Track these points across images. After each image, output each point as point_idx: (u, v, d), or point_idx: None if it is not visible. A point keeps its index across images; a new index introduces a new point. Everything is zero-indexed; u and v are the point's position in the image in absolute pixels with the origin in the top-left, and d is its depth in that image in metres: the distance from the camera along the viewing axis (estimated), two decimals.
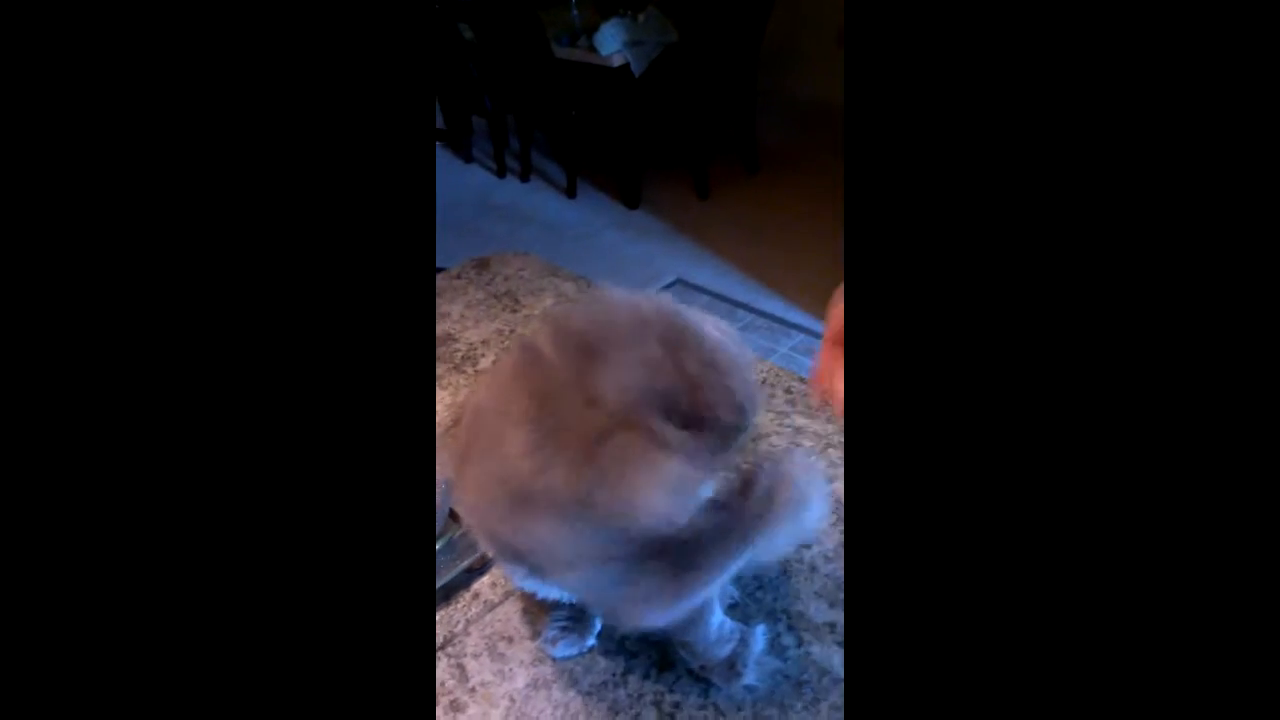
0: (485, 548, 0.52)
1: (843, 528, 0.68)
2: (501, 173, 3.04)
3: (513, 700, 0.58)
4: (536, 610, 0.64)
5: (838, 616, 0.60)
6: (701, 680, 0.57)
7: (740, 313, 2.40)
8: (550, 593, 0.58)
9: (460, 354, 0.96)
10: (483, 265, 1.17)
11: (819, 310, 2.40)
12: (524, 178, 2.99)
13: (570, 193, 2.87)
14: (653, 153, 2.85)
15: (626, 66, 2.51)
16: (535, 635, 0.62)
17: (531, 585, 0.58)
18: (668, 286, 2.32)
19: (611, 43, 2.46)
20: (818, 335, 2.33)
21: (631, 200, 2.81)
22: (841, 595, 0.62)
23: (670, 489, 0.43)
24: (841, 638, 0.59)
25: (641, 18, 2.55)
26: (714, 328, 0.49)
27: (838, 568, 0.64)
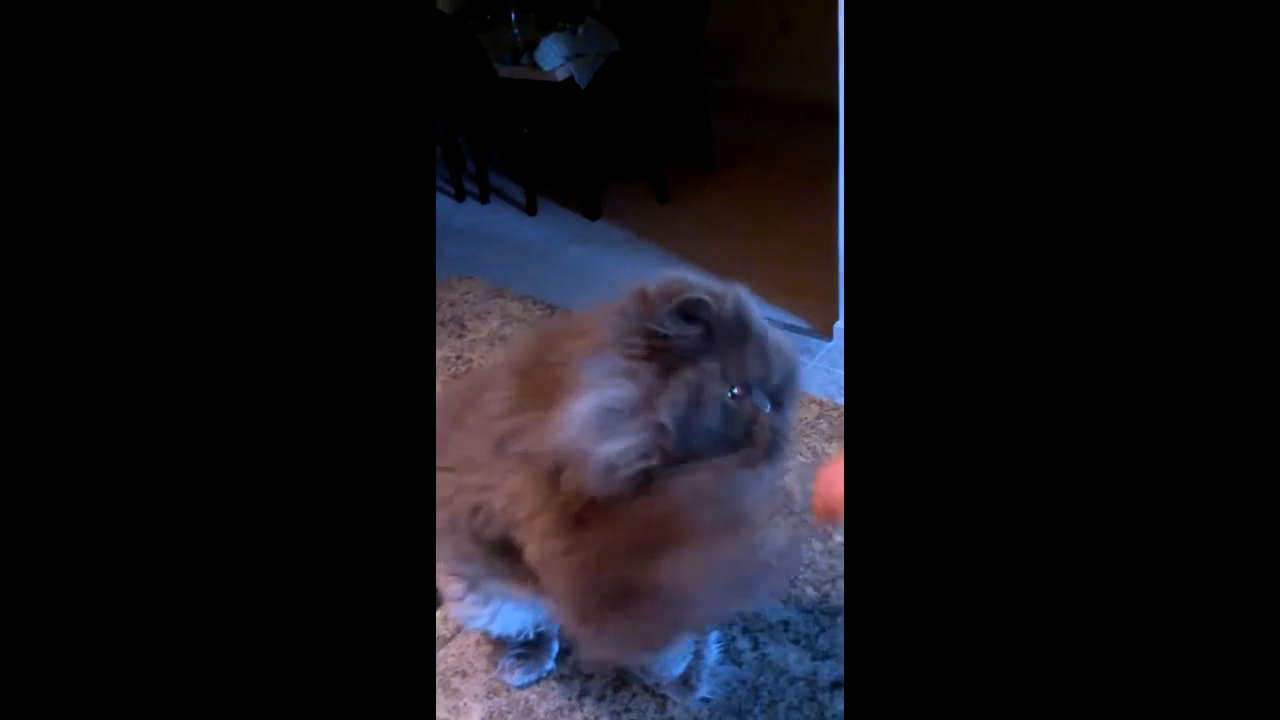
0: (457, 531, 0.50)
1: (793, 521, 0.67)
2: (460, 196, 3.03)
3: None
4: (490, 642, 0.62)
5: (790, 614, 0.59)
6: (658, 695, 0.56)
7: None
8: (504, 627, 0.57)
9: None
10: None
11: (788, 303, 2.40)
12: (483, 199, 2.97)
13: (530, 210, 2.86)
14: (609, 162, 2.84)
15: (571, 79, 2.50)
16: (490, 668, 0.60)
17: (483, 621, 0.57)
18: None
19: (553, 58, 2.46)
20: (789, 327, 2.33)
21: (592, 212, 2.80)
22: (794, 592, 0.61)
23: (592, 410, 0.40)
24: (795, 635, 0.58)
25: (581, 30, 2.55)
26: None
27: (787, 564, 0.63)
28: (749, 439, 0.42)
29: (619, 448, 0.40)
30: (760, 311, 0.44)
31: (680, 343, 0.41)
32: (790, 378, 0.44)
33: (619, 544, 0.40)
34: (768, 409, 0.42)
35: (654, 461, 0.41)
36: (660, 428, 0.41)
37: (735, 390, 0.41)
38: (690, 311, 0.41)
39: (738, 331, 0.42)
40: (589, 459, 0.40)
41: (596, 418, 0.40)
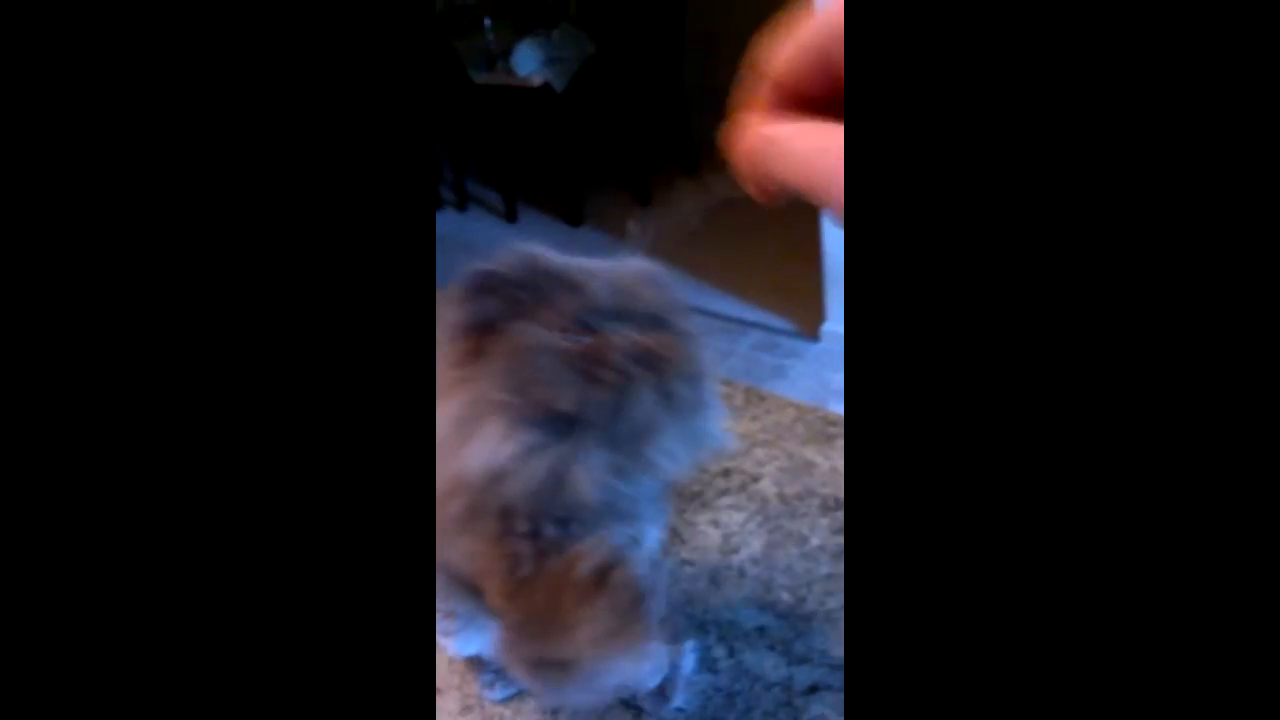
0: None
1: (768, 528, 0.67)
2: (437, 204, 3.02)
3: None
4: (464, 660, 0.62)
5: (766, 620, 0.59)
6: (633, 707, 0.55)
7: (696, 318, 2.38)
8: (468, 648, 0.56)
9: None
10: None
11: (773, 305, 2.40)
12: (460, 207, 2.96)
13: (510, 217, 2.86)
14: (591, 167, 2.84)
15: (548, 84, 2.50)
16: (464, 685, 0.60)
17: (452, 647, 0.56)
18: None
19: (529, 63, 2.46)
20: (775, 331, 2.32)
21: (574, 218, 2.80)
22: (769, 597, 0.61)
23: (445, 435, 0.38)
24: (771, 640, 0.57)
25: (556, 34, 2.55)
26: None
27: (764, 570, 0.63)
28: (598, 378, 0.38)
29: (485, 450, 0.37)
30: (561, 256, 0.42)
31: (491, 322, 0.39)
32: (626, 292, 0.41)
33: (533, 617, 0.40)
34: (620, 331, 0.39)
35: (532, 441, 0.37)
36: (503, 405, 0.38)
37: (569, 334, 0.39)
38: (483, 285, 0.39)
39: (534, 277, 0.40)
40: (469, 477, 0.38)
41: (451, 436, 0.38)
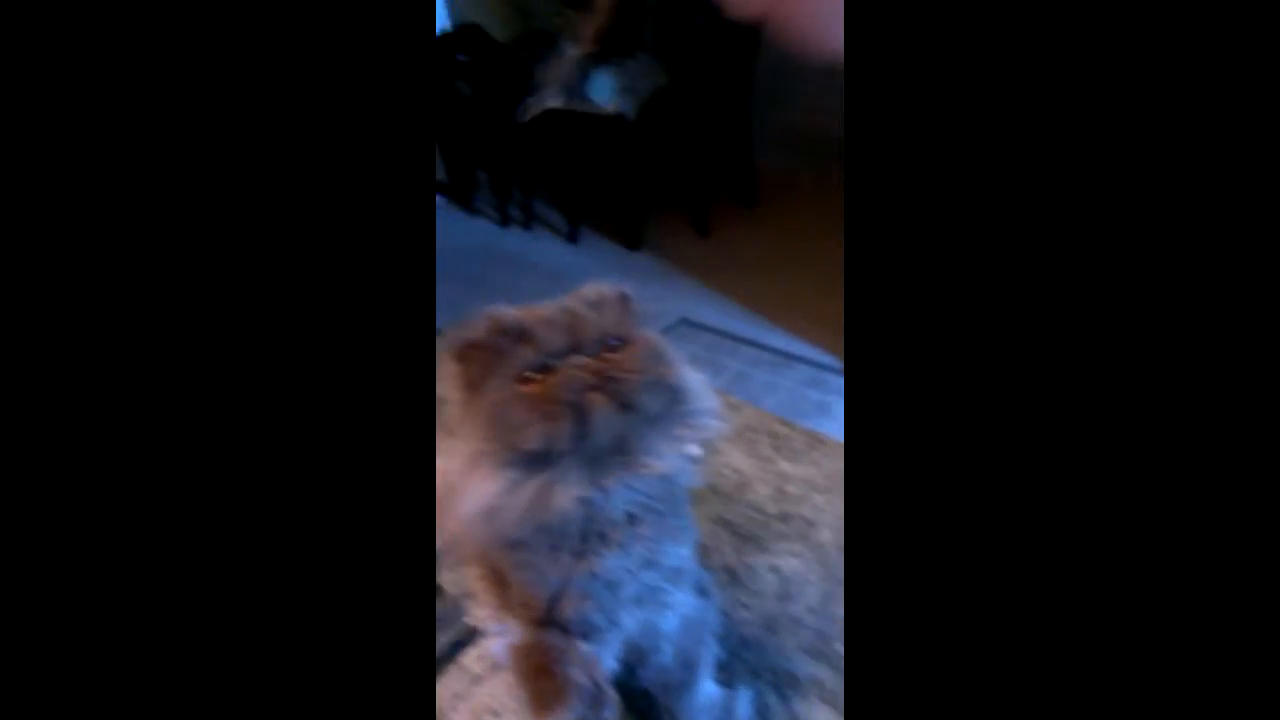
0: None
1: (825, 577, 0.68)
2: (504, 222, 3.09)
3: None
4: None
5: (822, 672, 0.60)
6: None
7: (745, 349, 2.39)
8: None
9: None
10: None
11: (824, 341, 2.39)
12: (526, 225, 3.03)
13: (572, 239, 2.91)
14: (653, 194, 2.88)
15: (619, 113, 2.55)
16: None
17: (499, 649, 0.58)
18: (671, 327, 2.32)
19: (604, 91, 2.51)
20: (824, 367, 2.31)
21: (633, 243, 2.84)
22: (825, 648, 0.61)
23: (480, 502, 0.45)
24: (824, 693, 0.58)
25: (632, 64, 2.60)
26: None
27: (820, 620, 0.64)
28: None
29: (477, 494, 0.44)
30: (518, 308, 0.48)
31: (474, 384, 0.46)
32: (575, 326, 0.46)
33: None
34: (573, 363, 0.45)
35: (514, 478, 0.44)
36: (487, 454, 0.44)
37: (530, 374, 0.44)
38: (461, 354, 0.46)
39: (496, 338, 0.45)
40: (470, 519, 0.44)
41: (454, 488, 0.45)
